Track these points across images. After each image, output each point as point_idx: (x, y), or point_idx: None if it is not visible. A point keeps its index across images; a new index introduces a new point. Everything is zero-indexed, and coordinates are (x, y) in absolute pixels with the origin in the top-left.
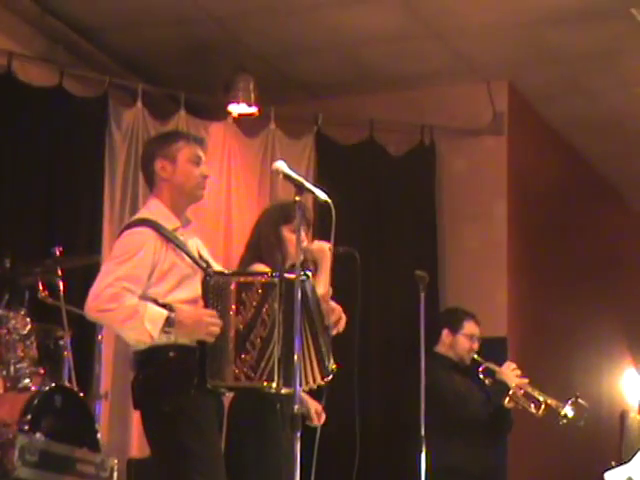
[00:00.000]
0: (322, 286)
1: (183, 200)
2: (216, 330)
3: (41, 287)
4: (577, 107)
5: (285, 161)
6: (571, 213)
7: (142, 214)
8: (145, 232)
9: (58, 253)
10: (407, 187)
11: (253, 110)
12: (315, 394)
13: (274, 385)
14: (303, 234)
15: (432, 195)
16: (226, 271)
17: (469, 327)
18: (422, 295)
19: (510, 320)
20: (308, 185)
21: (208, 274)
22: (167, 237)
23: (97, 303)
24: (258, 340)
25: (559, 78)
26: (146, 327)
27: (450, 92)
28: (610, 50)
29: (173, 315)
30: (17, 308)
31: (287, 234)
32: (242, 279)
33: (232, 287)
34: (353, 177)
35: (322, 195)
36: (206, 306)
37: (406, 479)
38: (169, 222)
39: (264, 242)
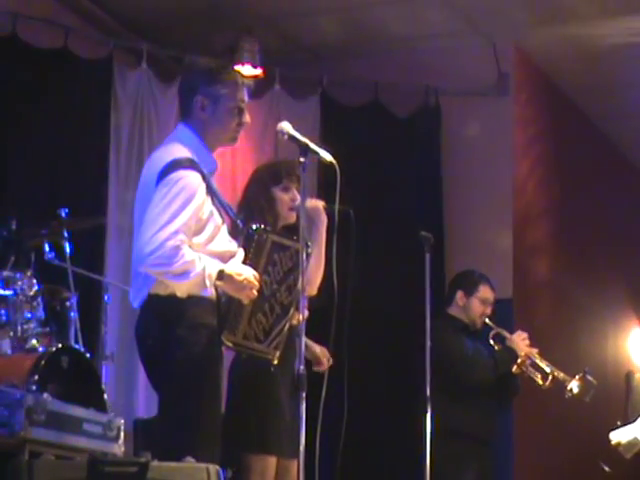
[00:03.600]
0: (317, 247)
1: (216, 141)
2: (255, 294)
3: (47, 248)
4: (584, 68)
5: (290, 122)
6: (578, 175)
7: (181, 151)
8: (195, 177)
9: (64, 215)
10: (412, 148)
11: (258, 72)
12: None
13: (277, 355)
14: (296, 193)
15: (437, 156)
16: (267, 227)
17: (484, 291)
18: (427, 256)
19: (515, 282)
20: (313, 146)
21: (251, 228)
22: (209, 184)
23: (157, 257)
24: (278, 306)
25: (565, 39)
26: (206, 283)
27: (455, 53)
28: (617, 10)
29: (224, 268)
30: (23, 269)
31: (278, 194)
32: (279, 239)
33: (268, 245)
34: (358, 138)
35: (327, 156)
36: (246, 259)
37: (411, 440)
38: (207, 164)
39: (254, 204)
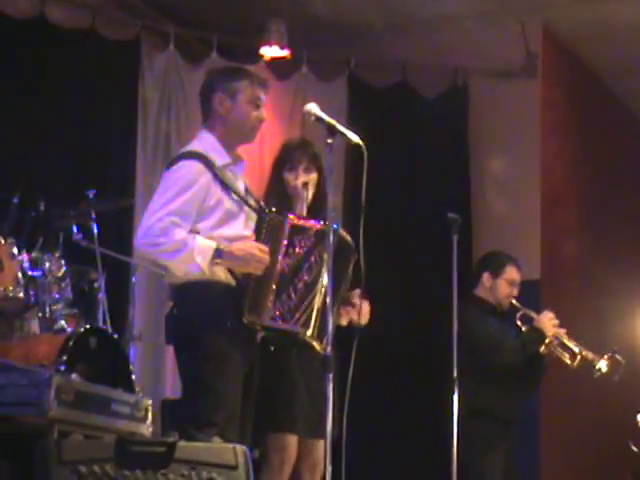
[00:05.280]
0: None
1: (235, 138)
2: (264, 265)
3: (75, 230)
4: (612, 48)
5: (317, 104)
6: (606, 155)
7: (193, 147)
8: (196, 166)
9: (92, 196)
10: (440, 129)
11: (285, 53)
12: (347, 332)
13: (309, 333)
14: (301, 172)
15: (465, 137)
16: (283, 211)
17: (510, 272)
18: (455, 238)
19: (543, 263)
20: (340, 127)
21: (264, 210)
22: (215, 173)
23: (147, 237)
24: (301, 285)
25: (594, 19)
26: (196, 259)
27: (483, 34)
28: None
29: (222, 246)
30: (52, 251)
31: (286, 176)
32: (298, 221)
33: (286, 227)
34: (385, 120)
35: (354, 137)
36: (257, 241)
37: (438, 421)
38: (220, 157)
39: (267, 191)
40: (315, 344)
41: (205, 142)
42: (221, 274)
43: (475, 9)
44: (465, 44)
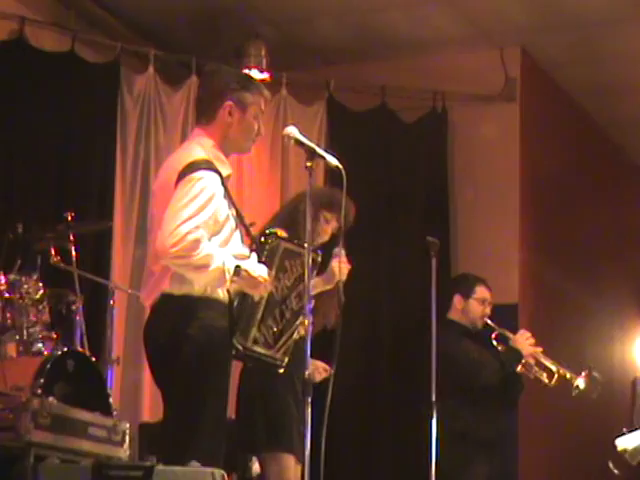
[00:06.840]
0: None
1: (232, 148)
2: (269, 289)
3: (53, 252)
4: (591, 73)
5: (297, 127)
6: (584, 180)
7: (200, 154)
8: (216, 179)
9: (70, 218)
10: (419, 153)
11: (264, 76)
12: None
13: (285, 361)
14: (335, 223)
15: (444, 161)
16: (278, 232)
17: (481, 291)
18: (433, 261)
19: (522, 287)
20: (319, 150)
21: (264, 233)
22: (226, 187)
23: (179, 249)
24: (288, 312)
25: (573, 44)
26: (225, 275)
27: (462, 58)
28: (624, 16)
29: (242, 265)
30: (30, 273)
31: (322, 218)
32: (291, 246)
33: (280, 251)
34: (365, 143)
35: (333, 161)
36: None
37: (417, 444)
38: (224, 168)
39: (302, 217)
40: (281, 370)
41: (208, 150)
42: (220, 292)
43: (454, 34)
44: (444, 68)
